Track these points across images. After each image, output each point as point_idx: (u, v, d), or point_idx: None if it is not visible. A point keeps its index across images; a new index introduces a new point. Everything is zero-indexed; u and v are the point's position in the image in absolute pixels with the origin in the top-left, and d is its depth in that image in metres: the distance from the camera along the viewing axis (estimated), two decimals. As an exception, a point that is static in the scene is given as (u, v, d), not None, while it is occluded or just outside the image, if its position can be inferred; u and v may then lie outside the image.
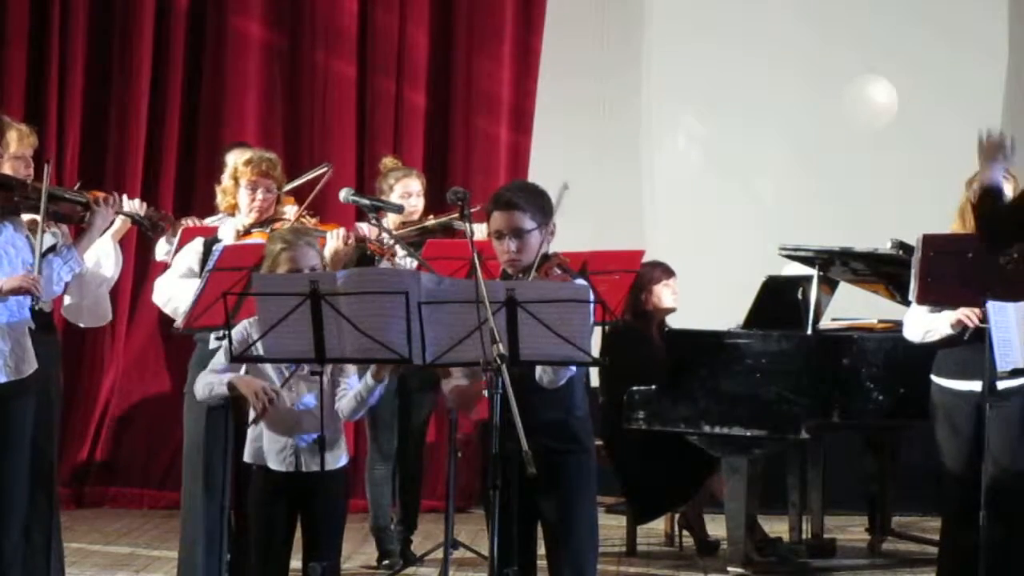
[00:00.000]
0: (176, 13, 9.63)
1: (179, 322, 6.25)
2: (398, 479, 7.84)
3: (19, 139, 6.17)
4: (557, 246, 5.22)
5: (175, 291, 6.45)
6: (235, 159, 6.58)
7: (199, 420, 6.28)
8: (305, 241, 5.47)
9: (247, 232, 6.45)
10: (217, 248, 6.05)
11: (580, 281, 5.02)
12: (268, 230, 6.37)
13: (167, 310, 6.54)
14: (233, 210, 6.54)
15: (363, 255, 7.32)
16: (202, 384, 5.53)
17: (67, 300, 6.35)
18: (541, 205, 5.08)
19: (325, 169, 7.25)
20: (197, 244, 6.51)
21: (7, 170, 6.07)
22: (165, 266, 6.89)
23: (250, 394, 5.34)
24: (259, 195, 6.45)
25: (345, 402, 5.42)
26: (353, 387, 5.43)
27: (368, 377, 5.33)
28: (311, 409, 5.37)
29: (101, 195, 6.15)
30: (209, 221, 6.92)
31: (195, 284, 6.20)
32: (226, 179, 6.55)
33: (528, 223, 5.04)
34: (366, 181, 8.91)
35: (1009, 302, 6.07)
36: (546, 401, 4.98)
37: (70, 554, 6.70)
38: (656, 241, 8.90)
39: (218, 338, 6.04)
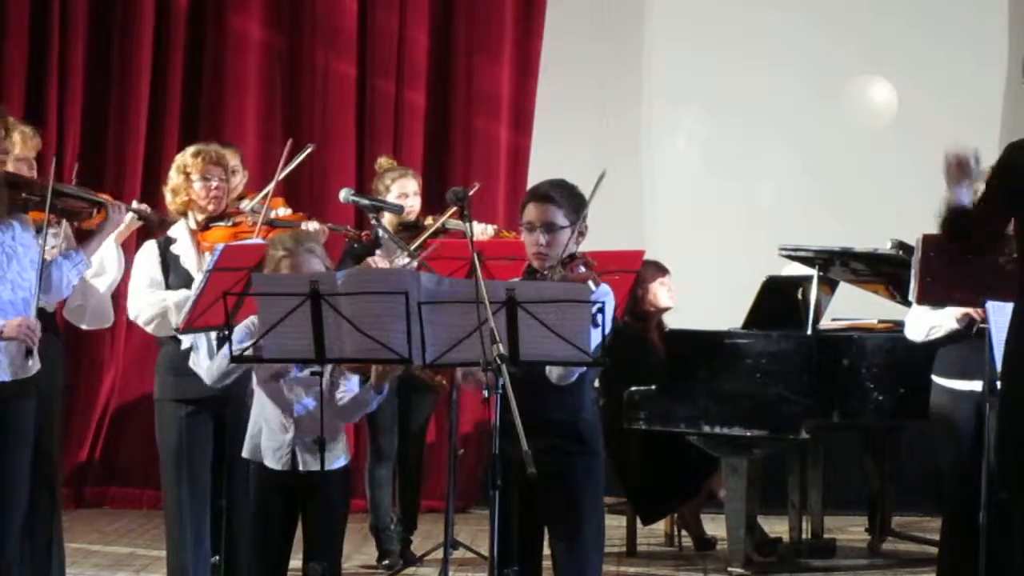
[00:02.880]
0: (176, 13, 9.62)
1: (178, 322, 6.21)
2: (398, 479, 7.85)
3: (23, 141, 6.15)
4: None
5: (153, 307, 6.28)
6: (181, 157, 6.32)
7: (174, 426, 6.20)
8: (306, 247, 5.45)
9: (206, 227, 6.28)
10: (217, 248, 6.01)
11: (604, 286, 5.02)
12: (230, 223, 6.29)
13: (156, 324, 6.30)
14: (187, 208, 6.29)
15: (360, 254, 7.32)
16: (214, 369, 5.53)
17: (71, 302, 6.32)
18: (576, 205, 5.12)
19: (309, 148, 7.34)
20: (152, 248, 6.32)
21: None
22: None
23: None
24: (214, 184, 6.25)
25: (341, 406, 5.42)
26: (352, 390, 5.42)
27: (367, 387, 5.32)
28: (311, 410, 5.37)
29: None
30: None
31: (167, 294, 6.17)
32: (175, 177, 6.28)
33: (561, 219, 5.07)
34: (366, 181, 8.90)
35: (1009, 302, 6.07)
36: (554, 402, 4.98)
37: (70, 554, 6.69)
38: (656, 241, 8.89)
39: (218, 338, 6.02)
